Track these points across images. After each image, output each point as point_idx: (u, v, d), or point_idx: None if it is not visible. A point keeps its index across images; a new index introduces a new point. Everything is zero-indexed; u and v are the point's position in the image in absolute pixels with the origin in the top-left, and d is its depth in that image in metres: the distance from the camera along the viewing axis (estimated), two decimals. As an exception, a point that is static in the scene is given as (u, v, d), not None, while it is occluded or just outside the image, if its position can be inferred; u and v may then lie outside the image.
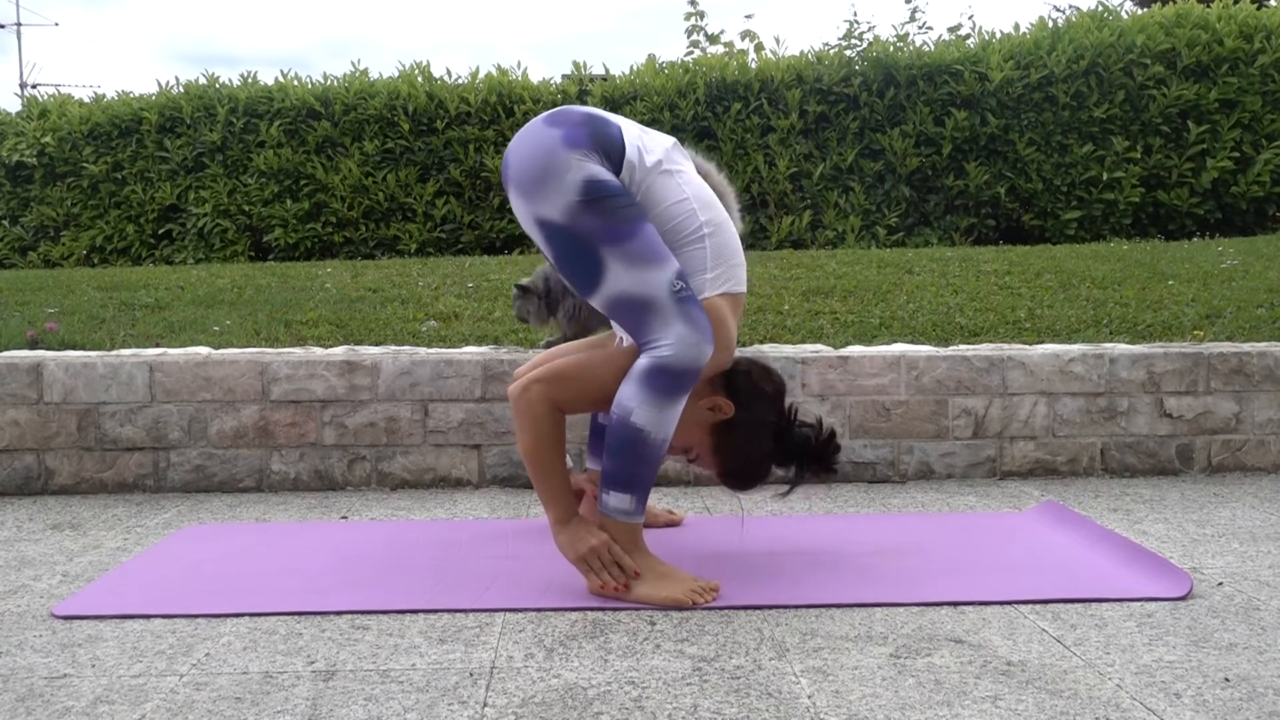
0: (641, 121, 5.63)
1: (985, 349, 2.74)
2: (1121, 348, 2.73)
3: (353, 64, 7.52)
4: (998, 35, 6.34)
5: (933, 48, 6.20)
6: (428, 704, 1.33)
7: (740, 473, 1.88)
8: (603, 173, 1.72)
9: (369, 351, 2.72)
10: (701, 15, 7.14)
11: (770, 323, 3.24)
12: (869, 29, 6.60)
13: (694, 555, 1.97)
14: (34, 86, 27.63)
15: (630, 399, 1.68)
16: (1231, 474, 2.68)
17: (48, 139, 6.60)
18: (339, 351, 2.72)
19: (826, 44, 7.72)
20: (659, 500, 2.44)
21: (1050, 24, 6.29)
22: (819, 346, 2.79)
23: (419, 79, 6.43)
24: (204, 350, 2.77)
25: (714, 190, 1.91)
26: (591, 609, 1.69)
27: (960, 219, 6.06)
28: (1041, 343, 2.90)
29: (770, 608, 1.68)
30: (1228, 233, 6.08)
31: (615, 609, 1.69)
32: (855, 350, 2.71)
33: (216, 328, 3.31)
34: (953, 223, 6.06)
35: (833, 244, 5.96)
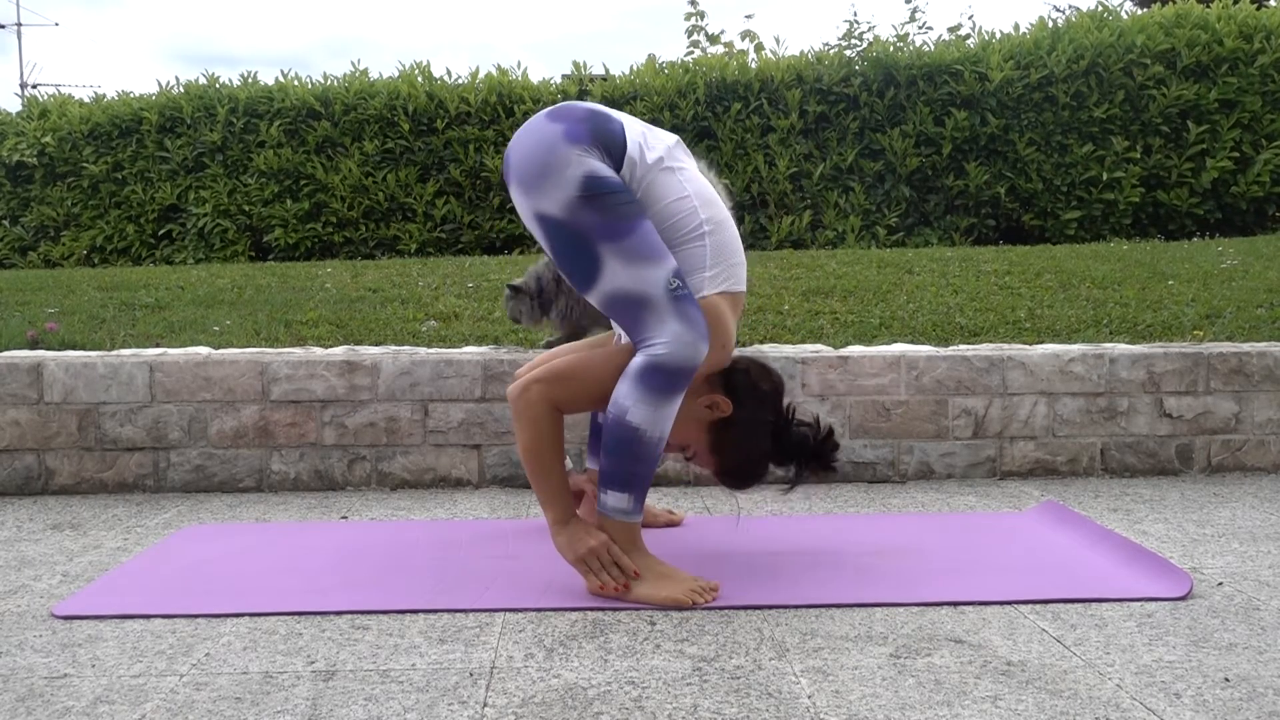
0: (641, 121, 5.62)
1: (985, 349, 2.74)
2: (1121, 348, 2.73)
3: (353, 64, 7.53)
4: (998, 35, 6.34)
5: (933, 48, 6.21)
6: (428, 704, 1.33)
7: (737, 471, 1.88)
8: (603, 169, 1.72)
9: (369, 351, 2.72)
10: (702, 15, 7.15)
11: (770, 323, 3.24)
12: (869, 29, 6.61)
13: (694, 555, 1.97)
14: (34, 86, 27.64)
15: (626, 397, 1.68)
16: (1231, 474, 2.68)
17: (48, 139, 6.60)
18: (339, 351, 2.73)
19: (826, 44, 7.72)
20: (659, 500, 2.44)
21: (1050, 24, 6.29)
22: (819, 346, 2.79)
23: (419, 79, 6.43)
24: (204, 350, 2.77)
25: None
26: (591, 609, 1.69)
27: (960, 219, 6.06)
28: (1041, 343, 2.90)
29: (770, 608, 1.68)
30: (1228, 233, 6.08)
31: (615, 609, 1.69)
32: (855, 350, 2.71)
33: (216, 328, 3.31)
34: (953, 223, 6.06)
35: (833, 244, 5.96)
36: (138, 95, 6.69)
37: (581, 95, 6.31)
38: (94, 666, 1.48)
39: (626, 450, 1.68)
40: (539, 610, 1.69)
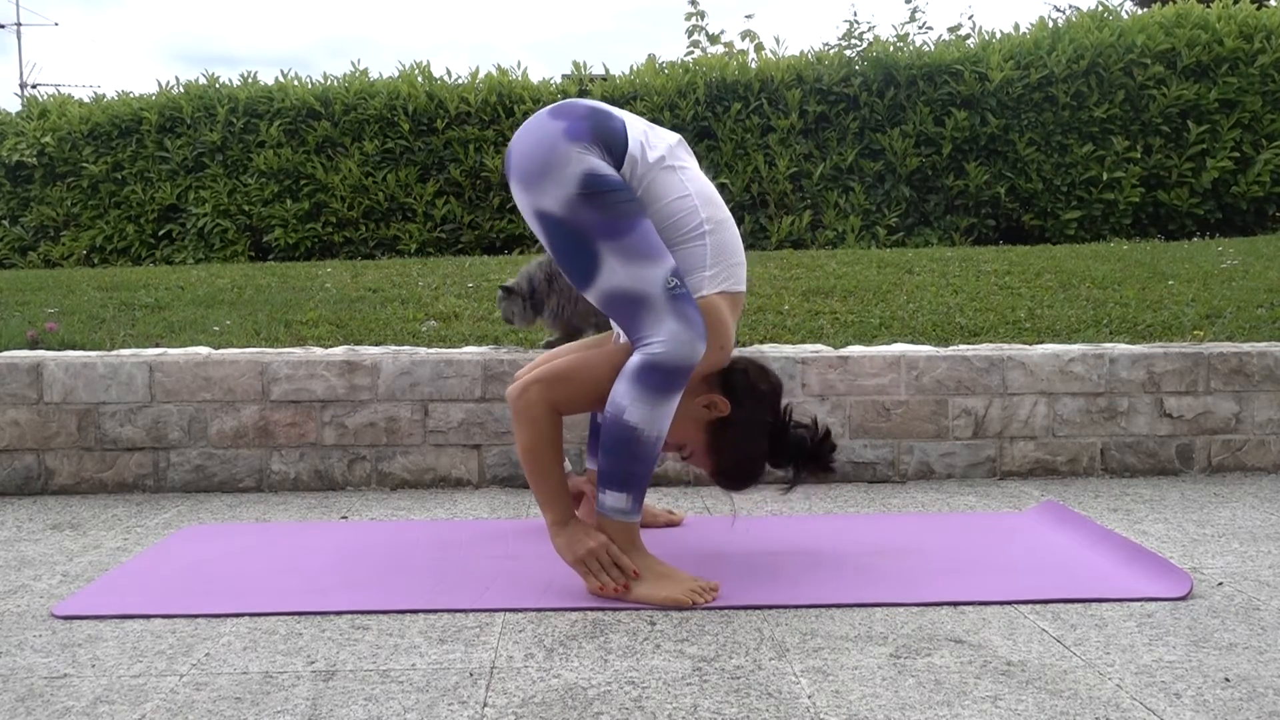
0: (641, 121, 5.62)
1: (985, 349, 2.74)
2: (1121, 348, 2.73)
3: (353, 64, 7.53)
4: (998, 35, 6.34)
5: (933, 48, 6.21)
6: (428, 704, 1.33)
7: (733, 472, 1.87)
8: (603, 167, 1.72)
9: (369, 351, 2.72)
10: (702, 15, 7.15)
11: (770, 323, 3.24)
12: (869, 29, 6.61)
13: (694, 555, 1.97)
14: (34, 86, 27.64)
15: (623, 397, 1.68)
16: (1231, 474, 2.68)
17: (48, 139, 6.60)
18: (339, 351, 2.73)
19: (826, 44, 7.72)
20: (659, 500, 2.44)
21: (1050, 24, 6.29)
22: (819, 346, 2.79)
23: (419, 79, 6.43)
24: (204, 350, 2.77)
25: None
26: (591, 609, 1.69)
27: (960, 219, 6.06)
28: (1041, 343, 2.90)
29: (770, 608, 1.68)
30: (1228, 233, 6.08)
31: (615, 609, 1.69)
32: (855, 350, 2.71)
33: (216, 328, 3.31)
34: (953, 223, 6.06)
35: (833, 244, 5.96)
36: (138, 95, 6.70)
37: (581, 95, 6.31)
38: (94, 666, 1.48)
39: (624, 449, 1.68)
40: (539, 610, 1.69)
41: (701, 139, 6.12)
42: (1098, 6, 6.41)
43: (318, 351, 2.74)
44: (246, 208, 6.36)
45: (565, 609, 1.69)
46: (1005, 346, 2.79)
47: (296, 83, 6.53)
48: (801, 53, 6.36)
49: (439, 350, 2.75)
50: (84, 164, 6.54)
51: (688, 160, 1.85)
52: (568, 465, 2.15)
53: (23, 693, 1.39)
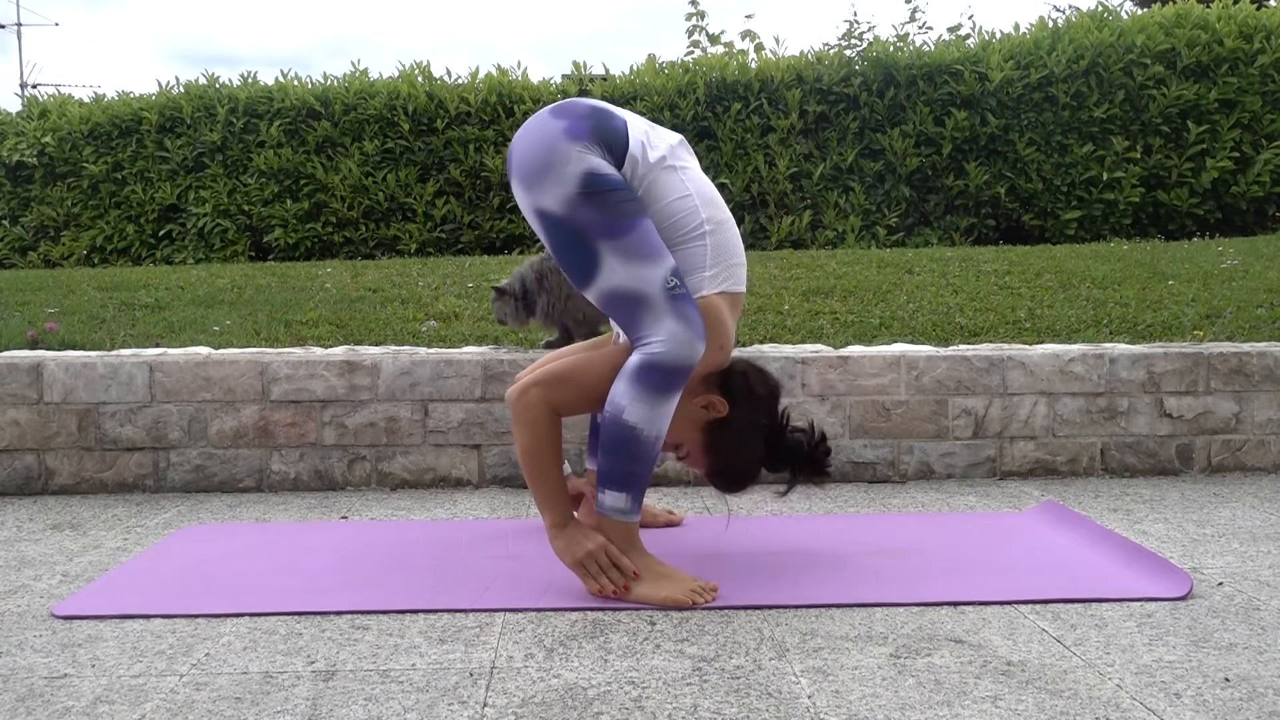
0: (641, 121, 5.62)
1: (985, 349, 2.74)
2: (1121, 348, 2.73)
3: (353, 64, 7.53)
4: (998, 35, 6.34)
5: (933, 48, 6.21)
6: (428, 704, 1.33)
7: (729, 473, 1.87)
8: (603, 166, 1.72)
9: (369, 351, 2.72)
10: (702, 15, 7.15)
11: (770, 323, 3.24)
12: (869, 29, 6.61)
13: (694, 555, 1.97)
14: (34, 86, 27.65)
15: (622, 396, 1.68)
16: (1231, 474, 2.68)
17: (48, 139, 6.60)
18: (339, 351, 2.73)
19: (826, 44, 7.72)
20: (659, 500, 2.44)
21: (1050, 24, 6.29)
22: (819, 346, 2.79)
23: (419, 79, 6.43)
24: (204, 350, 2.77)
25: None
26: (591, 609, 1.69)
27: (960, 219, 6.06)
28: (1041, 343, 2.90)
29: (770, 608, 1.68)
30: (1228, 233, 6.08)
31: (615, 609, 1.69)
32: (855, 350, 2.71)
33: (216, 328, 3.31)
34: (953, 223, 6.06)
35: (833, 244, 5.96)
36: (138, 95, 6.70)
37: (582, 95, 6.31)
38: (94, 666, 1.48)
39: (624, 449, 1.68)
40: (539, 610, 1.69)
41: (701, 139, 6.12)
42: (1098, 6, 6.41)
43: (318, 351, 2.74)
44: (246, 208, 6.36)
45: (565, 609, 1.69)
46: (1005, 346, 2.79)
47: (296, 83, 6.53)
48: (801, 53, 6.36)
49: (439, 350, 2.75)
50: (84, 164, 6.54)
51: (689, 160, 1.85)
52: (567, 467, 2.15)
53: (23, 693, 1.39)
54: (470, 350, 2.74)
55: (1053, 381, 2.65)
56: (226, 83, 6.66)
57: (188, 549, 2.06)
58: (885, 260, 4.58)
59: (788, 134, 6.09)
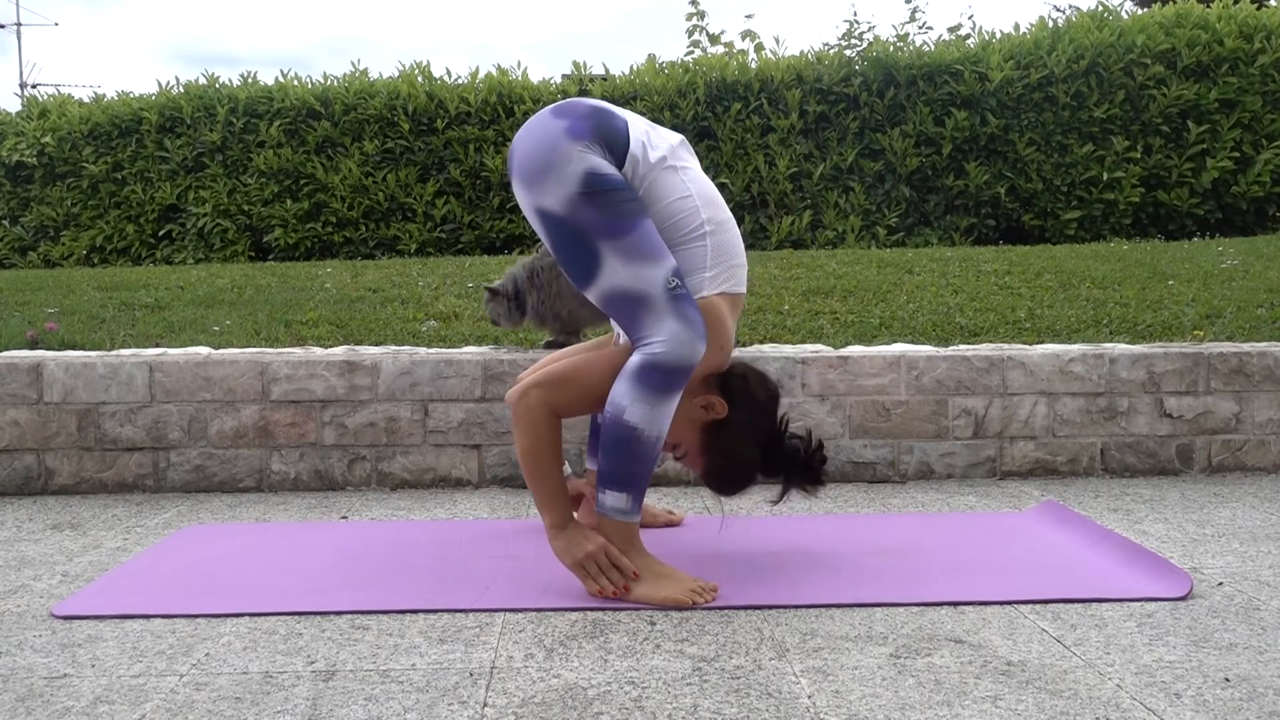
0: (641, 121, 5.62)
1: (985, 349, 2.74)
2: (1121, 348, 2.73)
3: (353, 64, 7.53)
4: (998, 35, 6.34)
5: (933, 48, 6.21)
6: (428, 704, 1.33)
7: (724, 475, 1.87)
8: (604, 166, 1.72)
9: (369, 351, 2.72)
10: (702, 15, 7.15)
11: (770, 323, 3.24)
12: (869, 29, 6.61)
13: (694, 555, 1.97)
14: (34, 86, 27.64)
15: (623, 396, 1.68)
16: (1231, 474, 2.68)
17: (48, 139, 6.60)
18: (339, 351, 2.73)
19: (826, 44, 7.72)
20: (659, 500, 2.44)
21: (1050, 24, 6.29)
22: (819, 346, 2.79)
23: (419, 79, 6.43)
24: (204, 350, 2.77)
25: None
26: (591, 609, 1.69)
27: (960, 219, 6.06)
28: (1041, 343, 2.90)
29: (770, 608, 1.68)
30: (1228, 233, 6.08)
31: (615, 609, 1.69)
32: (855, 350, 2.71)
33: (216, 328, 3.31)
34: (953, 223, 6.06)
35: (833, 244, 5.96)
36: (137, 95, 6.70)
37: (582, 95, 6.31)
38: (94, 666, 1.48)
39: (624, 449, 1.68)
40: (539, 610, 1.69)
41: (701, 139, 6.12)
42: (1098, 6, 6.41)
43: (318, 351, 2.74)
44: (246, 208, 6.36)
45: (565, 609, 1.69)
46: (1005, 346, 2.79)
47: (296, 83, 6.53)
48: (801, 53, 6.36)
49: (439, 350, 2.75)
50: (84, 164, 6.54)
51: (689, 161, 1.85)
52: (567, 467, 2.15)
53: (23, 693, 1.39)
54: (470, 350, 2.74)
55: (1053, 381, 2.65)
56: (226, 83, 6.66)
57: (188, 549, 2.06)
58: (885, 260, 4.58)
59: (788, 134, 6.09)
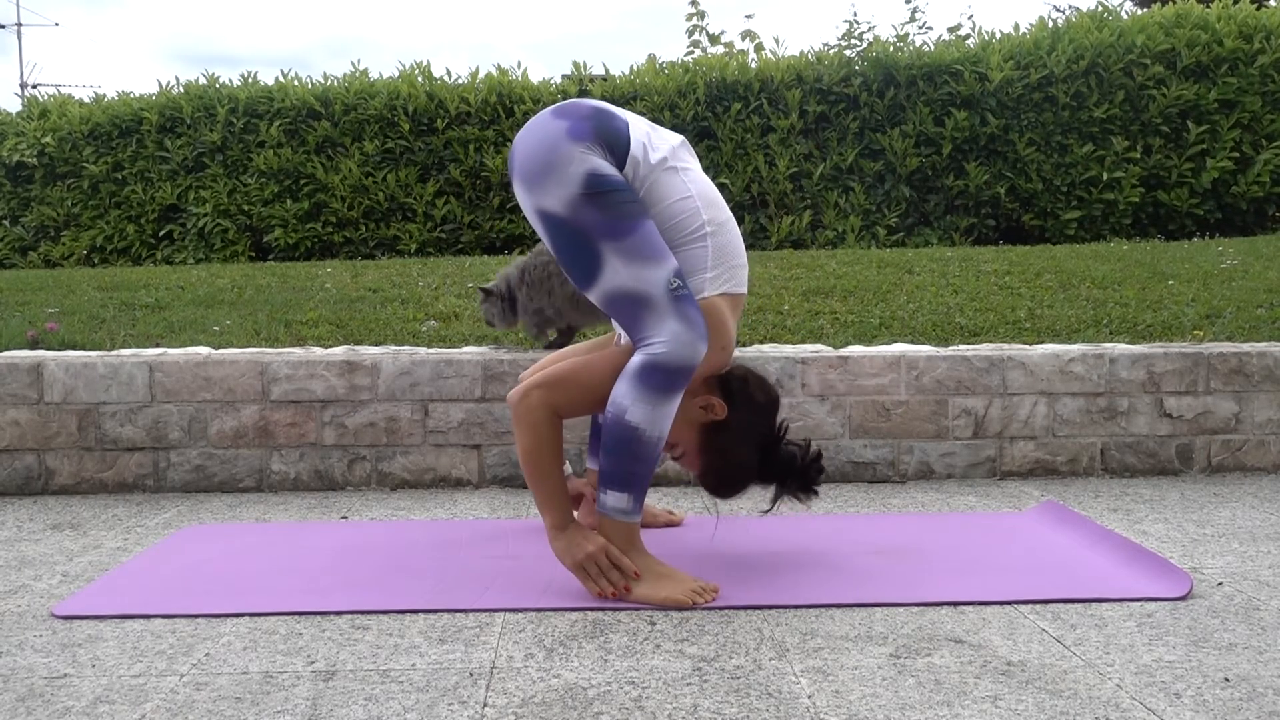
0: (641, 121, 5.62)
1: (985, 349, 2.74)
2: (1121, 348, 2.73)
3: (353, 64, 7.53)
4: (998, 35, 6.34)
5: (933, 48, 6.21)
6: (428, 704, 1.33)
7: (720, 476, 1.87)
8: (605, 167, 1.72)
9: (369, 351, 2.72)
10: (702, 15, 7.15)
11: (770, 323, 3.24)
12: (869, 29, 6.61)
13: (694, 555, 1.97)
14: (34, 86, 27.65)
15: (624, 396, 1.68)
16: (1231, 474, 2.68)
17: (48, 139, 6.60)
18: (339, 351, 2.73)
19: (826, 44, 7.72)
20: (659, 500, 2.44)
21: (1050, 24, 6.29)
22: (819, 346, 2.79)
23: (419, 79, 6.43)
24: (204, 350, 2.77)
25: None
26: (591, 609, 1.69)
27: (960, 219, 6.06)
28: (1041, 343, 2.90)
29: (770, 608, 1.68)
30: (1228, 233, 6.08)
31: (615, 609, 1.69)
32: (855, 350, 2.71)
33: (216, 328, 3.31)
34: (953, 223, 6.06)
35: (833, 244, 5.96)
36: (138, 95, 6.70)
37: (582, 95, 6.31)
38: (94, 666, 1.48)
39: (626, 449, 1.69)
40: (539, 610, 1.69)
41: (701, 139, 6.12)
42: (1098, 6, 6.41)
43: (318, 351, 2.74)
44: (246, 208, 6.36)
45: (565, 609, 1.69)
46: (1005, 346, 2.79)
47: (296, 83, 6.53)
48: (801, 53, 6.36)
49: (439, 350, 2.75)
50: (84, 164, 6.54)
51: (690, 161, 1.85)
52: (568, 467, 2.15)
53: (23, 693, 1.39)
54: (470, 350, 2.74)
55: (1053, 381, 2.65)
56: (226, 83, 6.66)
57: (188, 549, 2.06)
58: (885, 260, 4.58)
59: (788, 134, 6.09)
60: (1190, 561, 1.93)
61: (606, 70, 6.73)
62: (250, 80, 6.66)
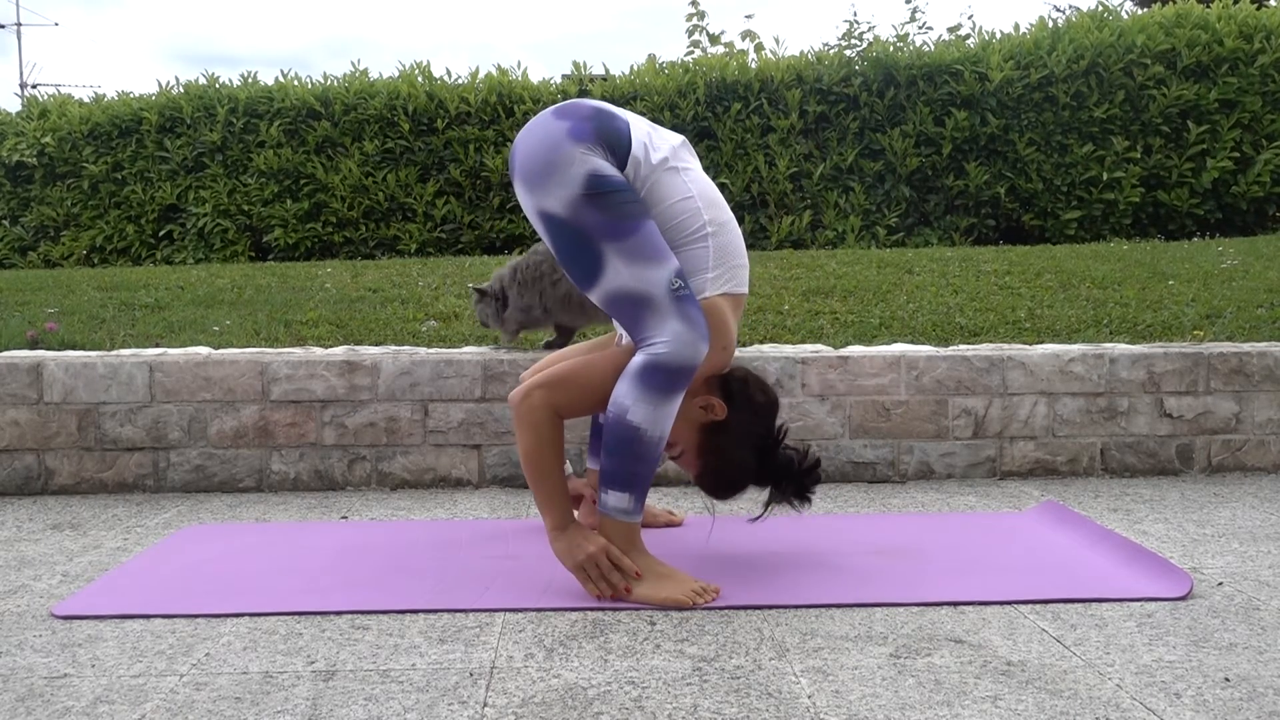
0: (641, 121, 5.62)
1: (985, 349, 2.74)
2: (1121, 348, 2.73)
3: (353, 64, 7.53)
4: (998, 35, 6.34)
5: (933, 48, 6.21)
6: (428, 704, 1.33)
7: (718, 477, 1.86)
8: (606, 167, 1.72)
9: (369, 351, 2.72)
10: (702, 15, 7.15)
11: (770, 323, 3.24)
12: (869, 29, 6.61)
13: (694, 555, 1.97)
14: (34, 86, 27.64)
15: (626, 396, 1.68)
16: (1231, 474, 2.68)
17: (48, 139, 6.60)
18: (339, 351, 2.73)
19: (826, 44, 7.72)
20: (659, 500, 2.44)
21: (1050, 24, 6.29)
22: (819, 346, 2.79)
23: (419, 79, 6.43)
24: (204, 350, 2.77)
25: None
26: (591, 609, 1.69)
27: (960, 219, 6.06)
28: (1041, 343, 2.90)
29: (770, 608, 1.68)
30: (1228, 233, 6.08)
31: (615, 609, 1.69)
32: (855, 350, 2.71)
33: (216, 328, 3.31)
34: (953, 223, 6.06)
35: (833, 244, 5.96)
36: (138, 95, 6.70)
37: (582, 95, 6.31)
38: (94, 666, 1.48)
39: (627, 449, 1.69)
40: (539, 610, 1.69)
41: (701, 139, 6.12)
42: (1098, 6, 6.41)
43: (318, 351, 2.74)
44: (246, 208, 6.36)
45: (565, 609, 1.69)
46: (1005, 346, 2.79)
47: (296, 83, 6.54)
48: (801, 53, 6.36)
49: (439, 350, 2.75)
50: (84, 164, 6.54)
51: (691, 162, 1.85)
52: (568, 467, 2.15)
53: (23, 693, 1.39)
54: (470, 350, 2.74)
55: (1053, 381, 2.65)
56: (226, 83, 6.66)
57: (188, 549, 2.06)
58: (885, 260, 4.59)
59: (788, 134, 6.09)
60: (1190, 561, 1.93)
61: (606, 70, 6.74)
62: (250, 80, 6.66)
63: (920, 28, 6.86)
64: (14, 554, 2.07)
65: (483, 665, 1.46)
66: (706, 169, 5.89)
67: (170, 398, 2.61)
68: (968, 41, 6.34)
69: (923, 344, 2.88)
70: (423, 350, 2.74)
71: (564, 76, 6.60)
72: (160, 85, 6.70)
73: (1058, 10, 14.37)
